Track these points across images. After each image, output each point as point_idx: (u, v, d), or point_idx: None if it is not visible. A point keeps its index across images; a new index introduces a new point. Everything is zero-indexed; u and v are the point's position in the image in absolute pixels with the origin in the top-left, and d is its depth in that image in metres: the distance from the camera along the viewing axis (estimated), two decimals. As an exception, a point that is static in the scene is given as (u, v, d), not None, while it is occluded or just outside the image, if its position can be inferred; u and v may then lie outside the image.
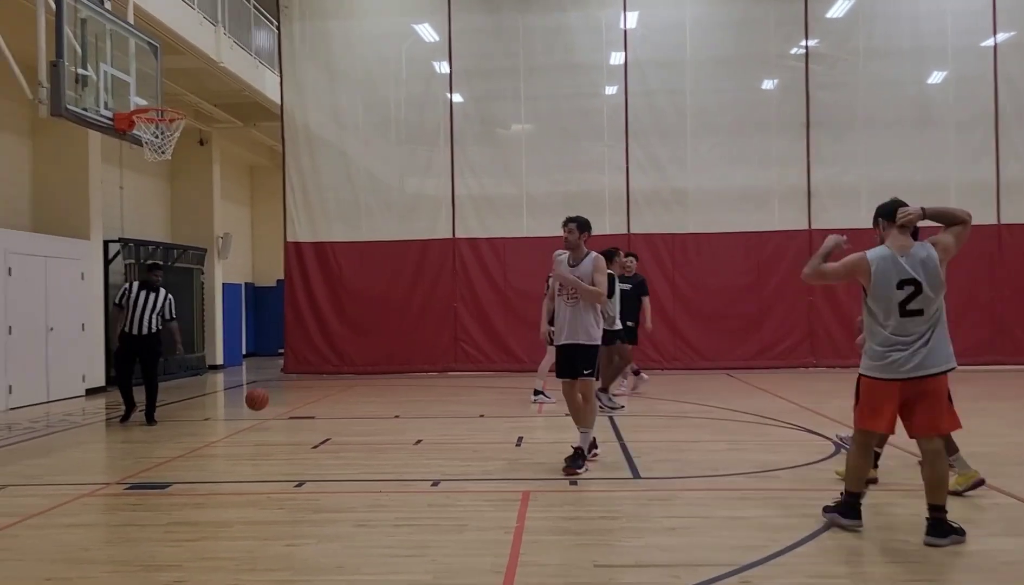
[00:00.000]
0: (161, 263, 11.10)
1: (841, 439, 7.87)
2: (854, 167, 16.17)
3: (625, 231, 16.28)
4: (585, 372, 6.98)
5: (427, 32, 17.02)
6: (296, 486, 6.71)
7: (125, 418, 10.47)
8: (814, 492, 5.97)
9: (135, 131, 9.46)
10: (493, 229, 16.62)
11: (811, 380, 14.32)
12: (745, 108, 16.46)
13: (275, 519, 5.76)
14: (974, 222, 5.12)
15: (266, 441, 9.43)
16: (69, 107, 8.57)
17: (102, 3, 9.94)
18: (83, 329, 13.76)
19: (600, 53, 16.79)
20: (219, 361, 19.43)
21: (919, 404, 4.85)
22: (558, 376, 7.15)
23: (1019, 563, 4.53)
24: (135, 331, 10.22)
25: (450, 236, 16.75)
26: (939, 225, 5.09)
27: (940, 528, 4.74)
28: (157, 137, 9.55)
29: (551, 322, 7.51)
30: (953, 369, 4.89)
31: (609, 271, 10.75)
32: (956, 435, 5.54)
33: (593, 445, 7.22)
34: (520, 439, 8.62)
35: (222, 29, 15.32)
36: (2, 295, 12.11)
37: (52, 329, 12.98)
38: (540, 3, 16.70)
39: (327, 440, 8.92)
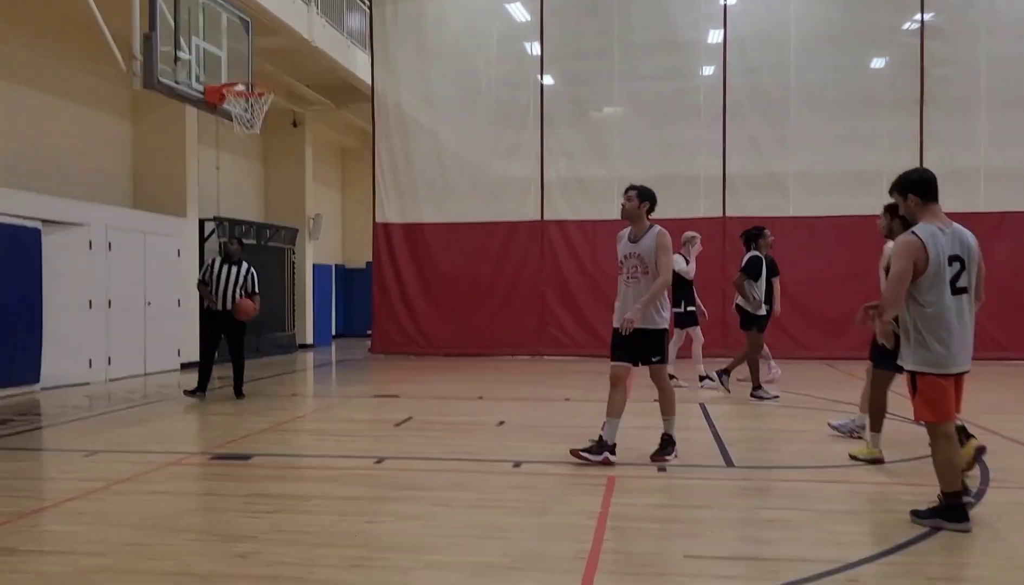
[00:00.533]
0: (240, 238, 10.79)
1: (833, 426, 7.65)
2: (972, 148, 15.19)
3: (720, 214, 15.71)
4: (654, 359, 6.43)
5: (519, 11, 16.77)
6: (376, 462, 6.59)
7: (193, 391, 10.16)
8: (925, 488, 5.47)
9: (225, 105, 9.51)
10: (583, 211, 16.27)
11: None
12: (852, 86, 15.66)
13: (354, 495, 5.64)
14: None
15: (349, 417, 9.39)
16: (162, 80, 8.66)
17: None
18: (179, 304, 14.08)
19: (698, 30, 16.24)
20: (309, 340, 19.72)
21: None
22: (613, 359, 6.50)
23: None
24: (222, 306, 10.12)
25: (538, 218, 16.49)
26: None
27: (934, 510, 4.64)
28: (247, 111, 9.59)
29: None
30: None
31: (755, 252, 10.31)
32: None
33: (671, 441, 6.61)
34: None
35: (314, 8, 15.40)
36: (103, 269, 12.48)
37: (150, 304, 13.32)
38: (636, -21, 16.25)
39: (409, 418, 8.81)
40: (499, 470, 6.32)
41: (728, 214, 15.72)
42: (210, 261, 10.54)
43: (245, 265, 10.29)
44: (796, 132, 15.73)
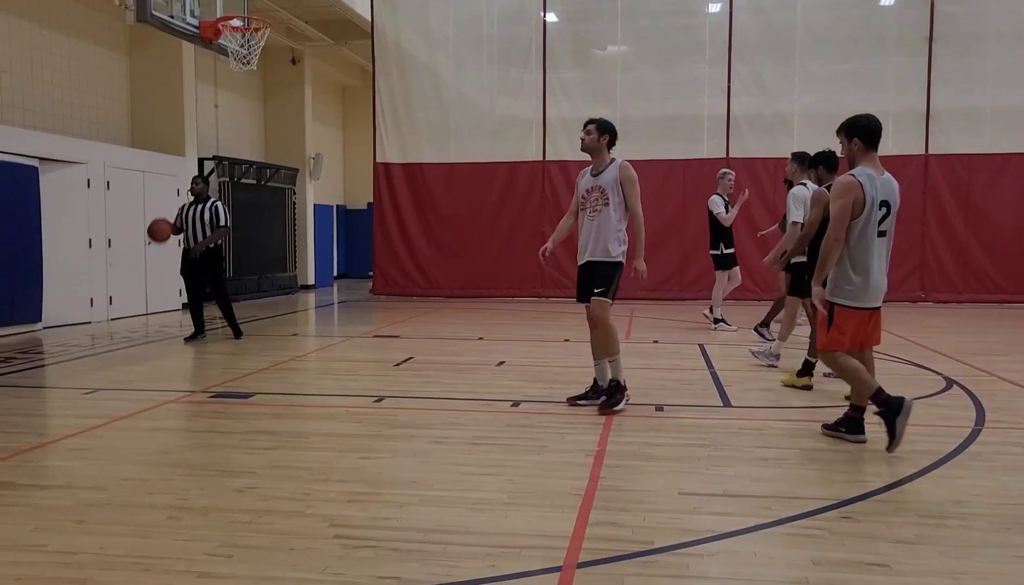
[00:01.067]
0: (207, 176, 10.38)
1: (754, 353, 8.28)
2: (979, 88, 14.93)
3: (724, 155, 15.54)
4: (597, 291, 6.12)
5: (521, -56, 16.35)
6: (375, 401, 6.61)
7: (193, 337, 10.09)
8: (923, 427, 5.50)
9: (221, 40, 9.32)
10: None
11: (920, 314, 13.51)
12: (860, 24, 15.34)
13: (352, 432, 5.66)
14: None
15: (350, 357, 9.42)
16: (155, 13, 8.48)
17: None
18: (179, 244, 13.99)
19: (704, -36, 15.84)
20: (311, 281, 19.72)
21: None
22: (579, 300, 6.35)
23: None
24: (190, 245, 9.93)
25: (540, 158, 16.32)
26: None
27: (840, 421, 5.26)
28: (243, 47, 9.40)
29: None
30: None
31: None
32: None
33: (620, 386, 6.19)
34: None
35: (313, -60, 15.05)
36: (102, 208, 12.41)
37: (150, 243, 13.27)
38: (641, -88, 15.80)
39: (410, 358, 8.83)
40: (498, 409, 6.34)
41: (732, 155, 15.55)
42: (182, 205, 10.29)
43: (210, 201, 9.99)
44: (802, 71, 15.45)
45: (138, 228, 13.00)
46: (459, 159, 16.52)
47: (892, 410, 4.86)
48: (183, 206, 10.18)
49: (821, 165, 7.00)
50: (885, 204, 5.04)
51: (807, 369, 7.03)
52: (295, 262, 18.89)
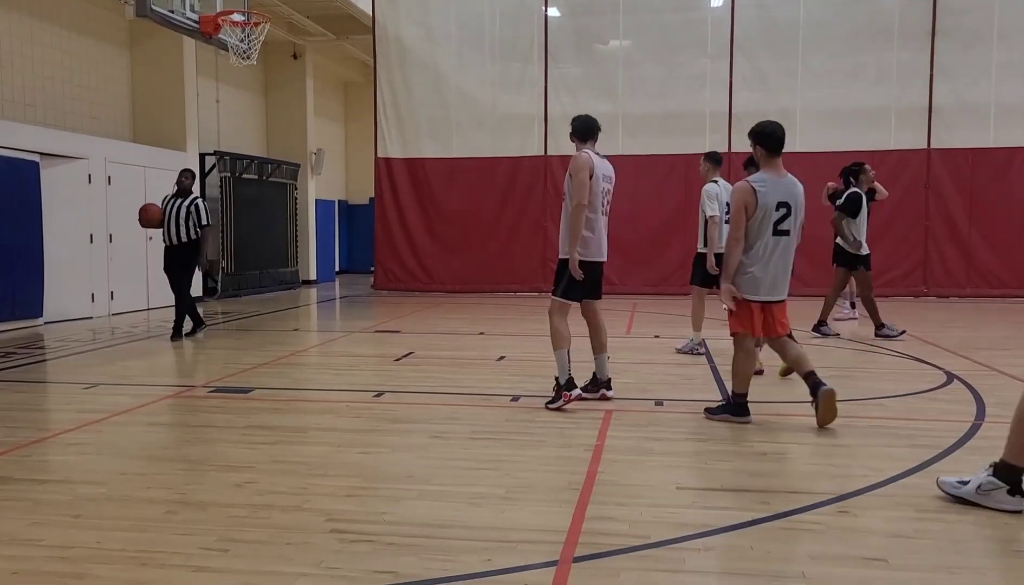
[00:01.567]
0: (192, 170, 10.17)
1: (678, 350, 8.67)
2: (983, 83, 14.89)
3: (726, 150, 15.49)
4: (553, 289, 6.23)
5: (523, -61, 16.32)
6: (375, 396, 6.61)
7: (193, 331, 10.03)
8: (923, 422, 5.50)
9: (221, 35, 9.31)
10: (586, 147, 16.05)
11: (923, 309, 13.49)
12: (863, 18, 15.28)
13: (351, 427, 5.66)
14: None
15: (350, 352, 9.42)
16: (155, 8, 8.47)
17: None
18: (162, 240, 14.01)
19: (706, -41, 15.81)
20: (312, 276, 19.72)
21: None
22: (586, 296, 6.26)
23: None
24: (169, 241, 9.81)
25: (542, 154, 16.30)
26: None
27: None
28: (243, 41, 9.39)
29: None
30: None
31: (856, 189, 9.78)
32: None
33: (569, 385, 6.06)
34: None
35: (313, -65, 15.02)
36: (103, 203, 12.42)
37: (151, 238, 13.26)
38: (643, -94, 15.77)
39: (410, 353, 8.83)
40: (497, 404, 6.34)
41: (734, 150, 15.50)
42: (164, 196, 10.10)
43: (192, 197, 9.86)
44: (805, 66, 15.42)
45: (139, 223, 12.99)
46: (461, 154, 16.51)
47: (734, 410, 5.64)
48: (165, 197, 10.02)
49: (753, 166, 7.28)
50: (784, 205, 5.43)
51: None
52: (296, 257, 18.89)
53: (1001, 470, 3.86)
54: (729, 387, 6.88)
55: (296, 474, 4.49)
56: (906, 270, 15.18)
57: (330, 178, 21.69)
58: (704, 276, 8.06)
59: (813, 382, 5.49)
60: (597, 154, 6.18)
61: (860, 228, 9.79)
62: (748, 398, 5.68)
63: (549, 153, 16.23)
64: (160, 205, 9.91)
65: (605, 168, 6.17)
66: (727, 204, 7.78)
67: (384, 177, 16.81)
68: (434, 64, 16.71)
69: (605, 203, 6.17)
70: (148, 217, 9.65)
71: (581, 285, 6.09)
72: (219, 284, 9.83)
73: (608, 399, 6.30)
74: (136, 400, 6.44)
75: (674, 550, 3.43)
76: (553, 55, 16.25)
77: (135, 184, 13.03)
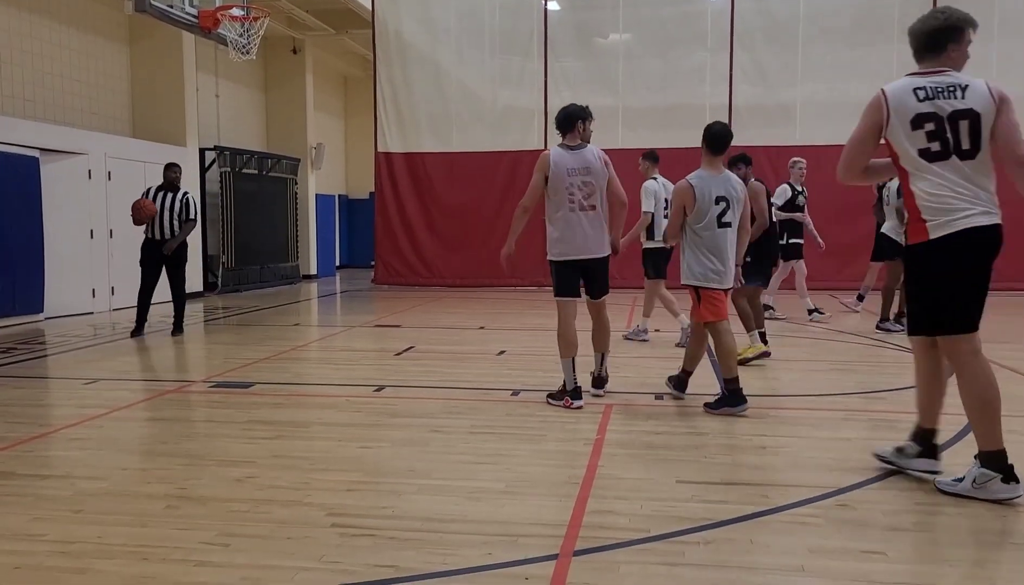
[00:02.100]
0: (179, 163, 10.05)
1: (626, 337, 9.16)
2: (983, 75, 14.63)
3: (726, 144, 15.49)
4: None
5: (522, -67, 16.28)
6: (376, 391, 6.62)
7: (135, 332, 9.71)
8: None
9: (220, 30, 9.30)
10: (586, 141, 16.05)
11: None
12: (863, 10, 15.24)
13: (352, 421, 5.68)
14: None
15: (350, 347, 9.43)
16: (154, 3, 8.46)
17: None
18: (144, 234, 13.99)
19: (706, -49, 15.77)
20: (312, 271, 19.73)
21: None
22: (588, 295, 6.19)
23: None
24: (156, 235, 9.63)
25: (542, 148, 16.27)
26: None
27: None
28: (242, 36, 9.38)
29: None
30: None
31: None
32: None
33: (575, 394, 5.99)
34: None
35: (313, -71, 14.99)
36: (103, 199, 12.42)
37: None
38: (643, -102, 15.73)
39: (411, 348, 8.84)
40: (497, 398, 6.35)
41: (734, 143, 15.45)
42: (148, 189, 9.91)
43: (181, 191, 9.74)
44: (804, 60, 15.39)
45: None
46: (461, 149, 16.49)
47: (731, 400, 5.64)
48: (149, 189, 9.84)
49: (740, 163, 8.07)
50: (723, 199, 5.79)
51: (762, 338, 7.81)
52: (297, 252, 18.89)
53: (987, 460, 3.89)
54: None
55: (297, 468, 4.50)
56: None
57: (330, 173, 21.67)
58: (657, 269, 8.92)
59: (681, 381, 6.09)
60: (569, 147, 6.08)
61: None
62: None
63: (549, 147, 16.20)
64: (148, 199, 9.72)
65: (576, 160, 5.99)
66: (666, 201, 8.41)
67: (384, 172, 16.80)
68: (434, 58, 16.68)
69: (583, 197, 6.01)
70: (146, 215, 9.55)
71: (569, 283, 6.03)
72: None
73: (599, 396, 6.27)
74: (137, 395, 6.46)
75: (674, 543, 3.44)
76: (553, 49, 16.23)
77: (135, 179, 13.00)
